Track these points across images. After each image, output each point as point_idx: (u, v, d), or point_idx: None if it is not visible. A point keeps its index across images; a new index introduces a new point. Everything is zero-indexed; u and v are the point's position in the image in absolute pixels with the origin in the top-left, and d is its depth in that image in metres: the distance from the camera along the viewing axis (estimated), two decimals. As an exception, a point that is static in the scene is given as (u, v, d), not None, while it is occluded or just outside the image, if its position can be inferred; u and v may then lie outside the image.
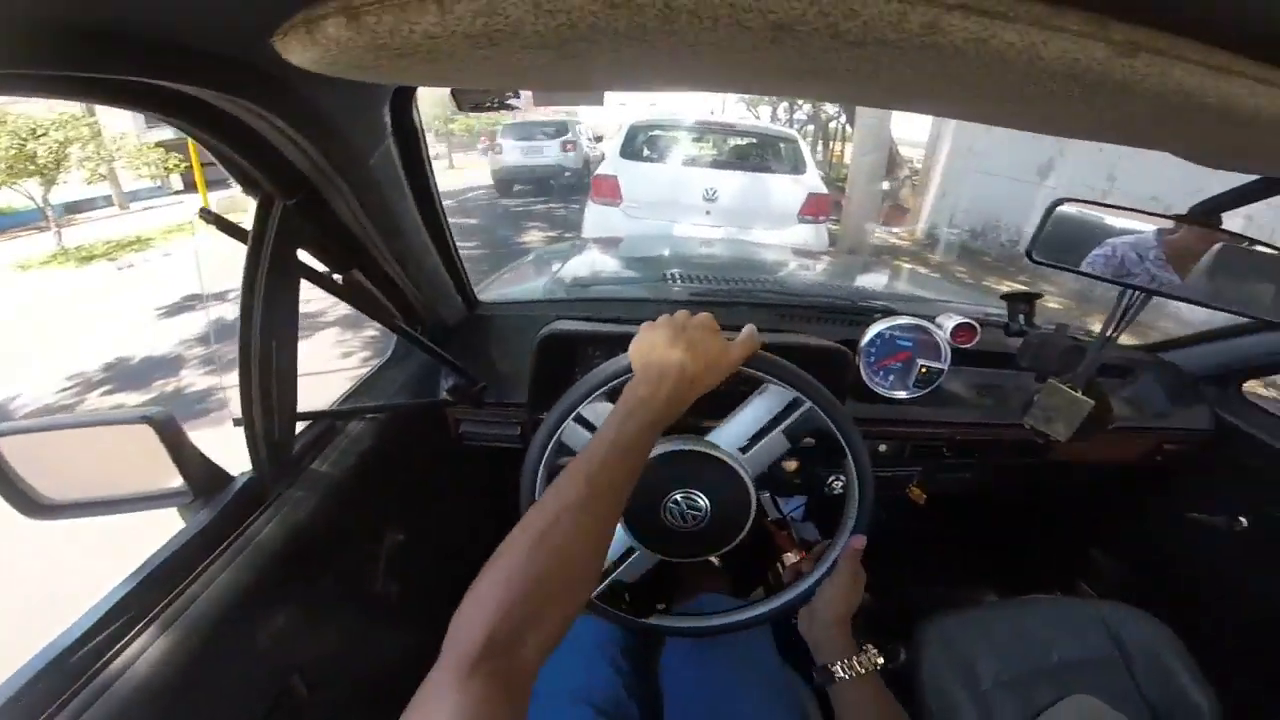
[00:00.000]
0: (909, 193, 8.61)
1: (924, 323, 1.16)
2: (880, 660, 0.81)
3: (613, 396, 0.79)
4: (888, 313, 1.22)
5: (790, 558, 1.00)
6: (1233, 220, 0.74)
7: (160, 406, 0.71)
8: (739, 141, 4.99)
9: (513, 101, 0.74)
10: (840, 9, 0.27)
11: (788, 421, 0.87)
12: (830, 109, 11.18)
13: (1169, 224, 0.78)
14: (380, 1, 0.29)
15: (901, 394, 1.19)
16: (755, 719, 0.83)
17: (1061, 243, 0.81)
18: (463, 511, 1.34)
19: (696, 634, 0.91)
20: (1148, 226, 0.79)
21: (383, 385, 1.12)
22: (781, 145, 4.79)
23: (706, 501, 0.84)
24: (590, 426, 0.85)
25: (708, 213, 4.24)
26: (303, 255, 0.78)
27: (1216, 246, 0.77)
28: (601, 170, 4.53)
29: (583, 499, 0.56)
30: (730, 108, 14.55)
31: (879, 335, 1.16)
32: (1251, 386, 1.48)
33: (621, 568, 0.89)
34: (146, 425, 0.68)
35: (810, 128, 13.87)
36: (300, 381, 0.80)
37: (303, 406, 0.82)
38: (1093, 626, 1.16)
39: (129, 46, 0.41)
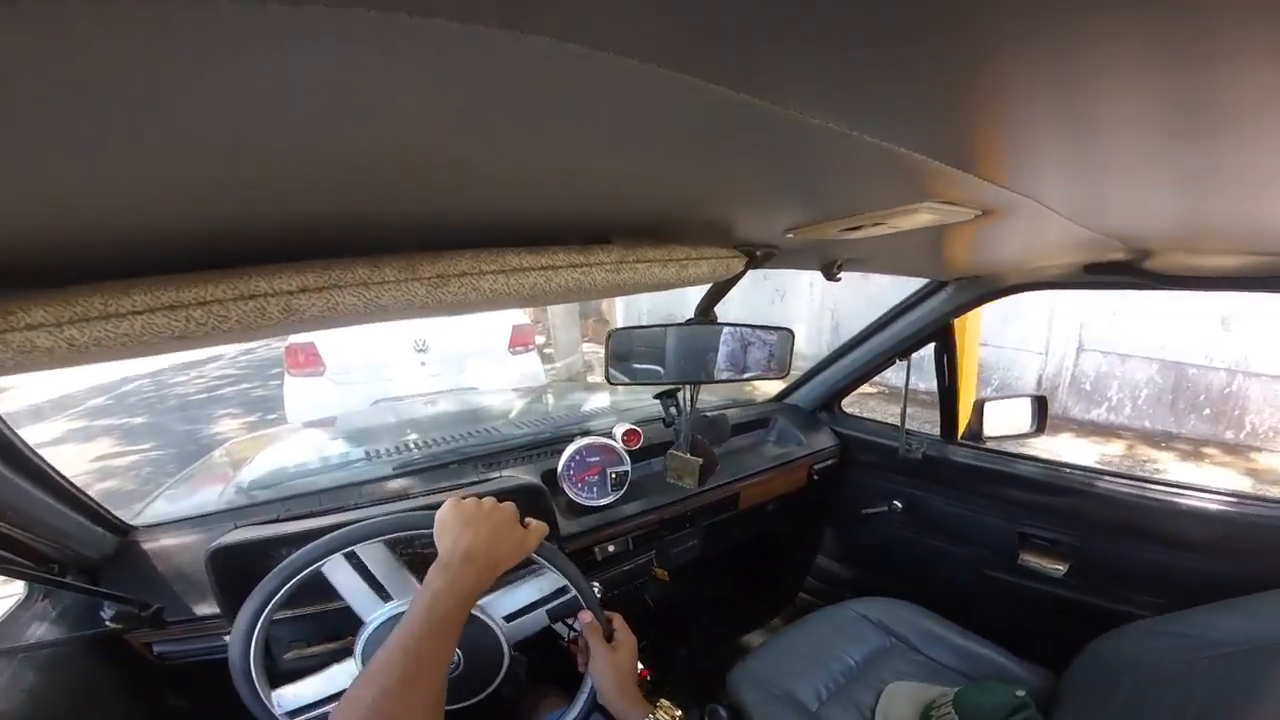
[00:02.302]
0: (607, 306, 9.68)
1: (601, 438, 1.31)
2: (678, 714, 0.82)
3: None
4: (583, 434, 1.34)
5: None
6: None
7: None
8: None
9: None
10: None
11: (553, 604, 0.94)
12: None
13: (692, 328, 1.00)
14: None
15: (605, 500, 1.30)
16: None
17: (625, 360, 0.98)
18: None
19: None
20: (672, 336, 0.99)
21: (26, 622, 0.94)
22: None
23: (459, 656, 0.86)
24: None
25: (423, 364, 4.07)
26: None
27: (725, 331, 1.02)
28: (295, 339, 3.98)
29: (408, 676, 0.59)
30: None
31: (571, 459, 1.28)
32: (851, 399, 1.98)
33: None
34: None
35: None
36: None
37: None
38: (857, 623, 1.35)
39: None
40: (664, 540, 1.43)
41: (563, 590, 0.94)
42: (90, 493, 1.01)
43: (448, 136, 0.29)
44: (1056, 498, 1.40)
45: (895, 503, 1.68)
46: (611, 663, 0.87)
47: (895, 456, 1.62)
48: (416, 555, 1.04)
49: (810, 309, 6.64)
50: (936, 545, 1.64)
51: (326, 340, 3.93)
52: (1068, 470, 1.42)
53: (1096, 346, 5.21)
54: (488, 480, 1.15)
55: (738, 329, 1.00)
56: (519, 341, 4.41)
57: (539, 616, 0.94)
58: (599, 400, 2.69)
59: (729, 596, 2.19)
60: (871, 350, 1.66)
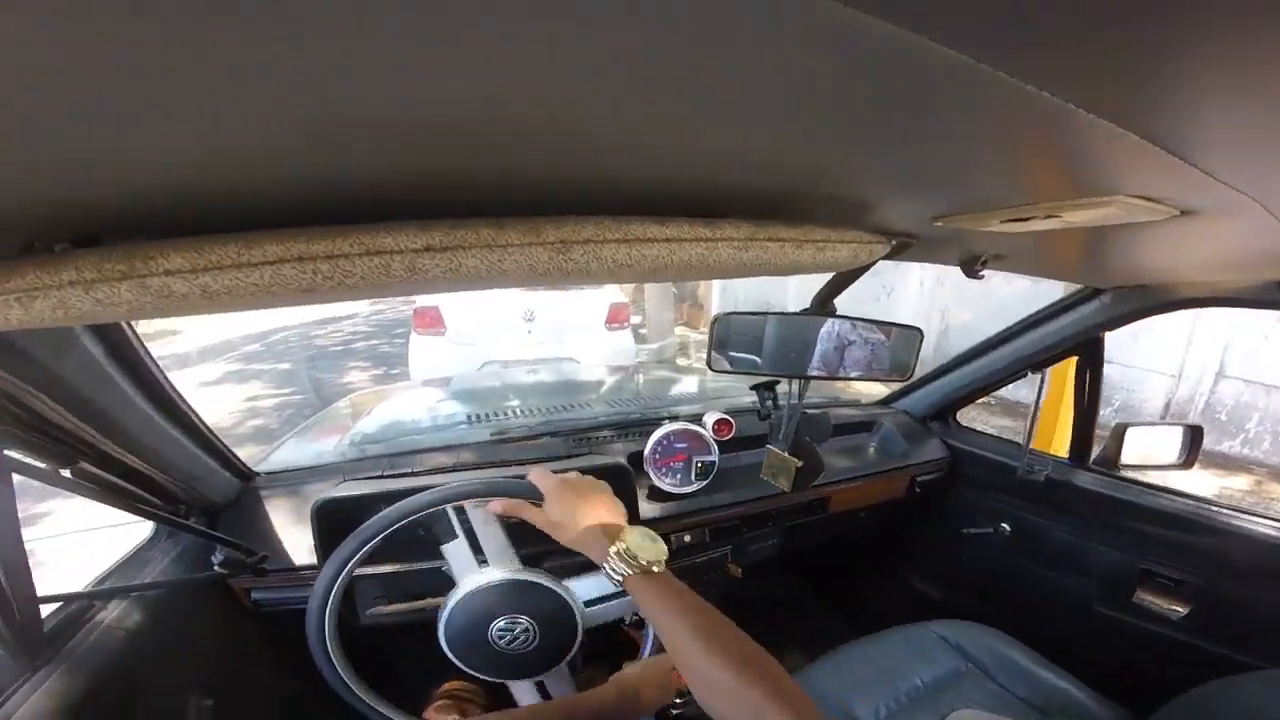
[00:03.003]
0: (704, 291, 9.62)
1: (690, 425, 1.27)
2: (661, 546, 0.69)
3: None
4: (670, 419, 1.31)
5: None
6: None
7: None
8: None
9: None
10: None
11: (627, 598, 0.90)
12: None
13: (801, 319, 0.91)
14: None
15: (689, 488, 1.26)
16: None
17: (735, 348, 0.91)
18: (279, 675, 1.19)
19: None
20: (782, 326, 0.90)
21: (145, 563, 1.00)
22: None
23: (535, 629, 0.85)
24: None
25: (529, 332, 4.32)
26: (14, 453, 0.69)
27: (846, 326, 0.93)
28: (422, 302, 4.42)
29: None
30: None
31: (657, 443, 1.25)
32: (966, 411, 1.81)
33: None
34: None
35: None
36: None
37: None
38: (935, 645, 1.24)
39: None
40: (742, 536, 1.38)
41: None
42: (241, 429, 1.11)
43: (577, 98, 0.27)
44: (1189, 535, 1.22)
45: (1004, 525, 1.52)
46: (544, 519, 0.76)
47: (1012, 476, 1.45)
48: (522, 523, 1.08)
49: (918, 308, 6.15)
50: (1042, 574, 1.47)
51: (449, 304, 4.27)
52: (1206, 505, 1.23)
53: (1240, 374, 4.47)
54: (576, 456, 1.16)
55: (860, 324, 0.92)
56: (615, 318, 4.55)
57: (620, 605, 0.91)
58: (689, 385, 2.65)
59: (801, 601, 2.09)
60: (1002, 359, 1.48)
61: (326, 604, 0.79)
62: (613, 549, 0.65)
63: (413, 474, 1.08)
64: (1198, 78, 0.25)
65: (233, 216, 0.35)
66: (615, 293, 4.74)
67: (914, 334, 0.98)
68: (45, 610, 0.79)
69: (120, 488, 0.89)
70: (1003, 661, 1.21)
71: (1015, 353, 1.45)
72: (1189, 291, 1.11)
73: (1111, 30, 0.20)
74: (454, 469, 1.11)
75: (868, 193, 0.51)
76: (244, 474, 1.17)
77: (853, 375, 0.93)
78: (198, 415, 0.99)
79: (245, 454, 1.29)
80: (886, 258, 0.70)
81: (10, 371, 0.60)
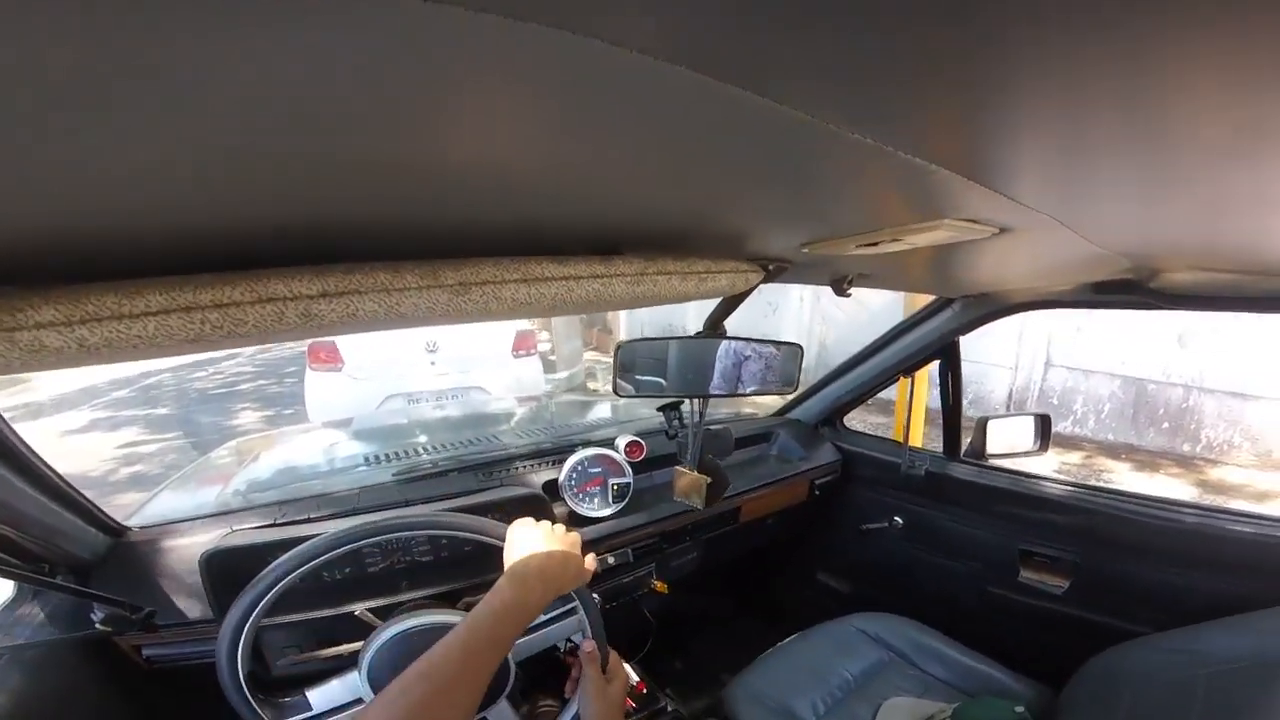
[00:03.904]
0: (612, 317, 9.71)
1: (603, 450, 1.29)
2: None
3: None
4: (584, 445, 1.32)
5: None
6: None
7: None
8: None
9: None
10: None
11: (560, 623, 0.91)
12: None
13: (696, 341, 0.96)
14: None
15: (606, 511, 1.27)
16: None
17: (633, 372, 0.93)
18: None
19: None
20: (678, 350, 0.94)
21: (13, 623, 0.90)
22: None
23: None
24: None
25: (432, 363, 4.20)
26: None
27: (733, 346, 0.98)
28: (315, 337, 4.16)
29: (462, 677, 0.58)
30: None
31: (573, 469, 1.25)
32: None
33: None
34: None
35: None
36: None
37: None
38: (857, 639, 1.31)
39: None
40: (664, 553, 1.40)
41: (570, 611, 0.91)
42: (117, 476, 0.98)
43: (468, 140, 0.28)
44: (1058, 515, 1.37)
45: (896, 519, 1.64)
46: (603, 692, 0.83)
47: (897, 473, 1.59)
48: (416, 563, 1.01)
49: (801, 324, 6.61)
50: (937, 561, 1.60)
51: (345, 339, 4.06)
52: (1070, 488, 1.39)
53: (1063, 362, 5.26)
54: (488, 489, 1.12)
55: (746, 343, 0.98)
56: (521, 345, 4.57)
57: (547, 634, 0.90)
58: (601, 411, 2.67)
59: (728, 609, 2.15)
60: (876, 366, 1.63)
61: (237, 652, 0.73)
62: None
63: (309, 520, 1.00)
64: (992, 121, 0.30)
65: (112, 263, 0.32)
66: (521, 321, 4.70)
67: (795, 349, 1.06)
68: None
69: None
70: (920, 648, 1.30)
71: (887, 360, 1.60)
72: (1020, 297, 1.29)
73: (917, 81, 0.25)
74: (354, 512, 1.04)
75: (743, 227, 0.56)
76: (112, 529, 1.05)
77: (749, 391, 0.99)
78: (52, 469, 0.89)
79: (127, 500, 1.13)
80: (764, 281, 0.77)
81: None
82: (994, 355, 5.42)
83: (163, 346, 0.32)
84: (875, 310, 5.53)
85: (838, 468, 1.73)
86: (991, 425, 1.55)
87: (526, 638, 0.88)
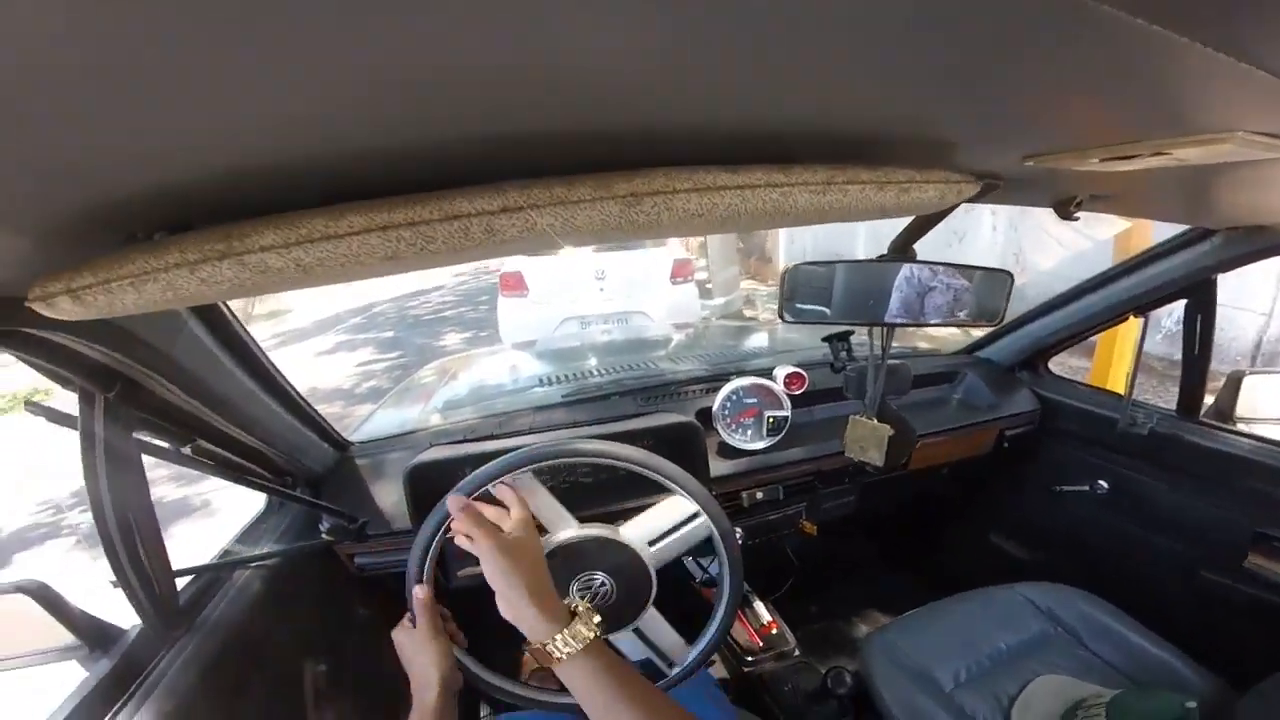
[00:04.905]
0: (771, 245, 9.27)
1: (760, 379, 1.22)
2: (597, 619, 0.63)
3: None
4: (738, 374, 1.27)
5: None
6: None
7: (32, 577, 0.69)
8: None
9: None
10: None
11: (687, 528, 0.87)
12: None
13: (879, 265, 0.83)
14: (91, 287, 0.34)
15: (760, 444, 1.22)
16: None
17: (808, 299, 0.83)
18: (380, 636, 1.25)
19: None
20: (858, 273, 0.83)
21: (261, 534, 1.06)
22: None
23: (610, 581, 0.83)
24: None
25: (601, 289, 4.58)
26: (142, 435, 0.74)
27: (930, 270, 0.84)
28: (506, 268, 4.75)
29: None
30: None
31: (727, 399, 1.21)
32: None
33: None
34: (21, 594, 0.67)
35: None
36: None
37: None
38: (1022, 608, 1.18)
39: None
40: (817, 493, 1.32)
41: (694, 515, 0.87)
42: (359, 390, 1.16)
43: (646, 50, 0.25)
44: None
45: (1100, 482, 1.38)
46: (498, 573, 0.63)
47: (1112, 430, 1.31)
48: (576, 484, 1.05)
49: (992, 256, 5.64)
50: (1142, 536, 1.33)
51: (530, 269, 4.61)
52: None
53: None
54: (645, 414, 1.14)
55: (943, 268, 0.84)
56: (679, 273, 4.73)
57: (680, 540, 0.88)
58: (758, 339, 2.58)
59: (878, 560, 2.01)
60: (1100, 302, 1.33)
61: (424, 564, 0.78)
62: (554, 639, 0.59)
63: (493, 437, 1.09)
64: None
65: (316, 193, 0.35)
66: (679, 249, 4.94)
67: (1003, 277, 0.89)
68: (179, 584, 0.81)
69: (234, 462, 0.94)
70: (1094, 625, 1.12)
71: (1116, 295, 1.30)
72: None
73: None
74: (529, 432, 1.13)
75: (953, 133, 0.45)
76: (340, 444, 1.20)
77: (934, 321, 0.85)
78: (297, 391, 1.02)
79: (363, 411, 1.36)
80: (972, 200, 0.63)
81: (130, 357, 0.64)
82: (1242, 297, 4.15)
83: (365, 264, 0.35)
84: (1084, 252, 4.55)
85: (1035, 418, 1.47)
86: (1248, 382, 1.22)
87: (660, 545, 0.86)
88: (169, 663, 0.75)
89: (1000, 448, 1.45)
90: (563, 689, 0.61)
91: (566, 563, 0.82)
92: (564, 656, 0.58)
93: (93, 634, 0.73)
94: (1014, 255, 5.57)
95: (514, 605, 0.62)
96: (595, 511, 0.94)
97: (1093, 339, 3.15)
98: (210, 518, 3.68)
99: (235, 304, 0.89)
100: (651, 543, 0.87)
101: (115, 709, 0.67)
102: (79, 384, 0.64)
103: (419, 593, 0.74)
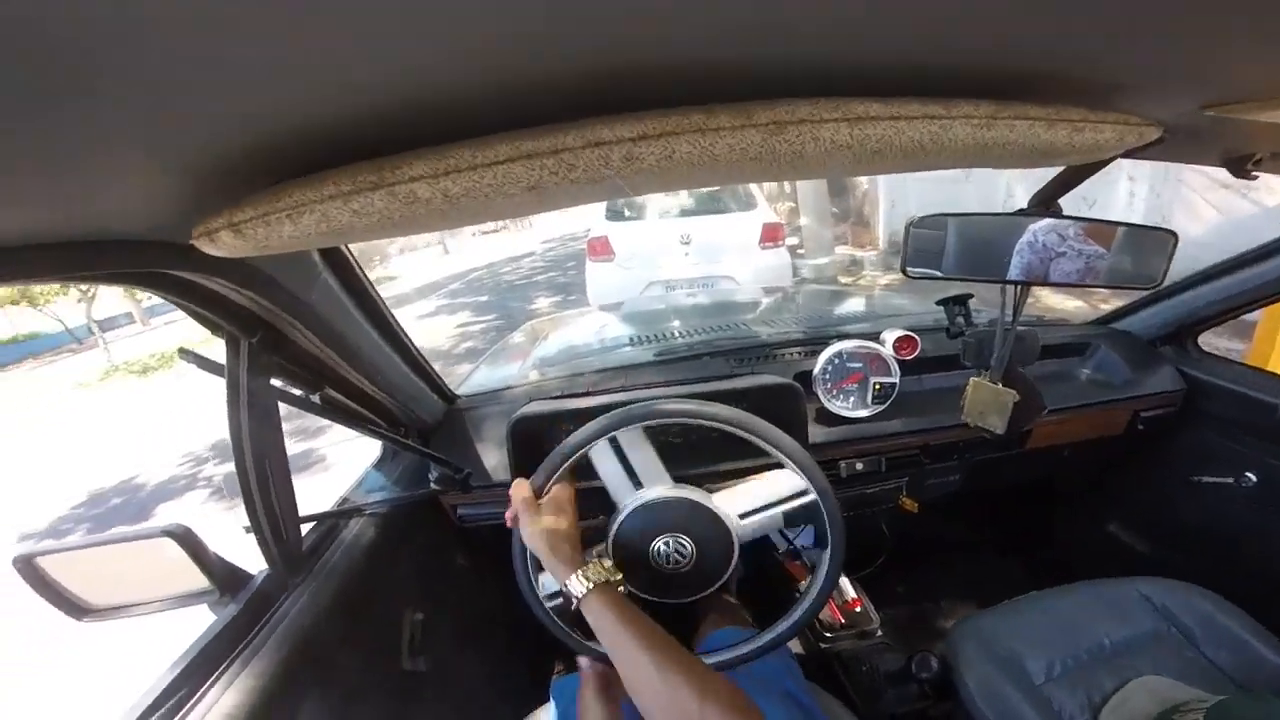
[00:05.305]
0: (869, 210, 8.67)
1: (867, 343, 1.14)
2: (609, 564, 0.71)
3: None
4: (840, 338, 1.20)
5: (804, 585, 0.94)
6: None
7: (178, 522, 0.74)
8: (699, 191, 5.17)
9: None
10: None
11: (790, 505, 0.84)
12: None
13: (1018, 218, 0.75)
14: (250, 220, 0.36)
15: (863, 412, 1.15)
16: None
17: (927, 254, 0.77)
18: (476, 586, 1.31)
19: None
20: (994, 224, 0.76)
21: (374, 483, 1.12)
22: (734, 187, 5.06)
23: (692, 547, 0.81)
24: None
25: (687, 254, 4.49)
26: (278, 382, 0.79)
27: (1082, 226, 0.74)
28: (593, 234, 4.78)
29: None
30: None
31: (829, 362, 1.14)
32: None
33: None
34: (167, 538, 0.72)
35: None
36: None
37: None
38: (1136, 604, 1.07)
39: (102, 248, 0.48)
40: (922, 468, 1.23)
41: (801, 493, 0.83)
42: (458, 350, 1.21)
43: None
44: None
45: (1248, 474, 1.19)
46: (536, 531, 0.75)
47: (1271, 416, 1.13)
48: (668, 443, 1.05)
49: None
50: None
51: (616, 235, 4.61)
52: None
53: None
54: (739, 376, 1.09)
55: (1097, 225, 0.74)
56: (769, 237, 4.53)
57: (774, 517, 0.84)
58: (856, 303, 2.45)
59: (980, 545, 1.86)
60: (1272, 272, 1.13)
61: (561, 467, 0.79)
62: (574, 575, 0.68)
63: (588, 394, 1.10)
64: None
65: (461, 126, 0.35)
66: (768, 213, 4.72)
67: (1166, 237, 0.78)
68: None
69: (357, 412, 0.98)
70: (1213, 627, 0.99)
71: None
72: None
73: None
74: (622, 389, 1.13)
75: (1128, 73, 0.39)
76: (448, 396, 1.24)
77: (1087, 282, 0.76)
78: (414, 344, 1.05)
79: (461, 370, 1.42)
80: (1139, 153, 0.53)
81: (274, 302, 0.68)
82: None
83: (509, 195, 0.35)
84: (1244, 221, 3.88)
85: (1177, 399, 1.29)
86: None
87: (752, 519, 0.83)
88: (290, 605, 0.79)
89: (1133, 430, 1.29)
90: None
91: (658, 519, 0.81)
92: (579, 594, 0.67)
93: (225, 578, 0.78)
94: (1158, 223, 4.86)
95: (544, 560, 0.73)
96: (684, 473, 0.93)
97: (1252, 317, 2.72)
98: (326, 472, 4.08)
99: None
100: (744, 515, 0.84)
101: (239, 650, 0.71)
102: (227, 329, 0.69)
103: (561, 490, 0.79)
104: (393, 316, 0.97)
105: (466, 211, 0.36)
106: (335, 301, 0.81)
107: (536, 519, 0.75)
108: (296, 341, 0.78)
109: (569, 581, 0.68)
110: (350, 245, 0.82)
